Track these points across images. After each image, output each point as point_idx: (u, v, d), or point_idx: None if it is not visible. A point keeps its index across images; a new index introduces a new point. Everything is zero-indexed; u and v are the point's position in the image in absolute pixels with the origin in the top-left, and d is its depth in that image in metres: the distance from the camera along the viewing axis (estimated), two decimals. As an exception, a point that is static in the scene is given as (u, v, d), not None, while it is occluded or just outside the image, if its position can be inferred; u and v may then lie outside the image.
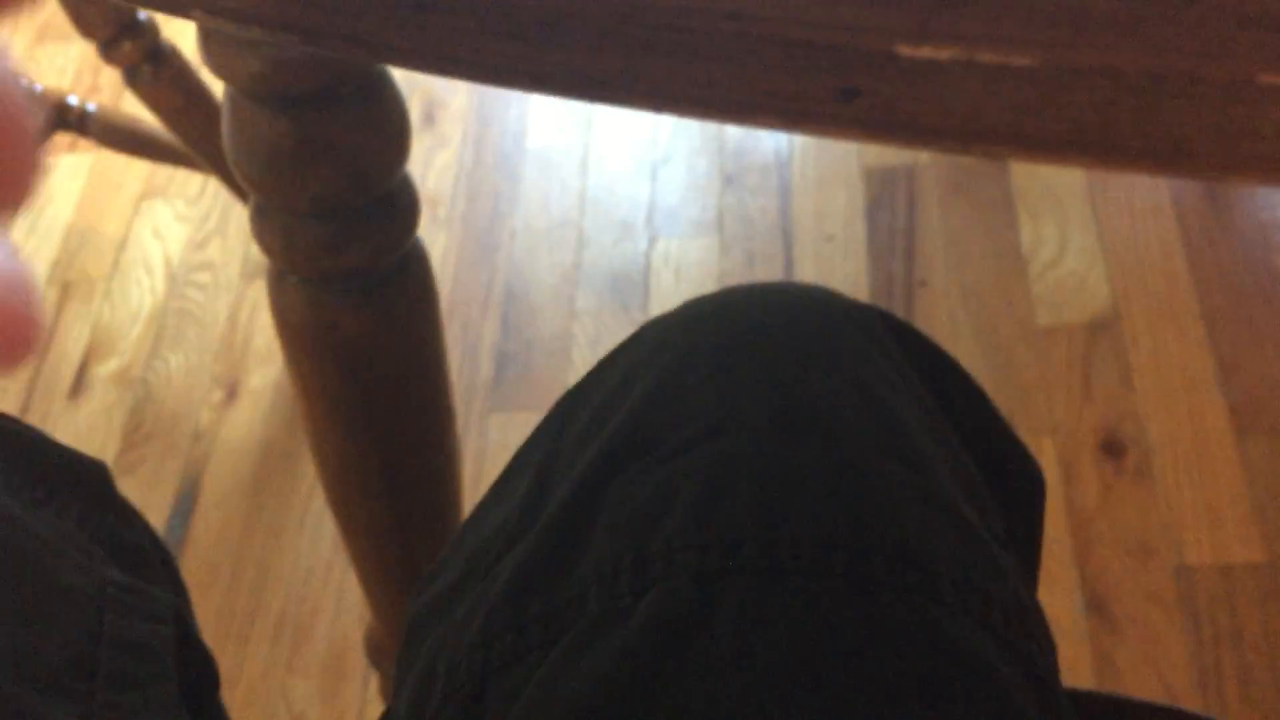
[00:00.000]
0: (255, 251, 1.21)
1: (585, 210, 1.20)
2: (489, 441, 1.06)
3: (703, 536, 0.31)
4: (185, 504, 1.05)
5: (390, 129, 0.52)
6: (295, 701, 0.94)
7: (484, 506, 0.40)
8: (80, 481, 0.42)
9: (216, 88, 1.03)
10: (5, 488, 0.39)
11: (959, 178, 1.17)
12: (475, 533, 0.38)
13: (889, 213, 1.15)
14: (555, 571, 0.33)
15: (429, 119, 1.28)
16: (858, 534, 0.31)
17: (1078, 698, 0.39)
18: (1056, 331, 1.06)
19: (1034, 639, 0.32)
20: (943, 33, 0.20)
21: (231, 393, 1.11)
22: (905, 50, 0.20)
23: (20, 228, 1.26)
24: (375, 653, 0.81)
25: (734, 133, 1.24)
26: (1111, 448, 0.99)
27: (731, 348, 0.36)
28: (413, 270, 0.57)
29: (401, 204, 0.55)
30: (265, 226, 0.54)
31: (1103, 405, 1.01)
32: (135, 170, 1.28)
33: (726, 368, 0.35)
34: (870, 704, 0.28)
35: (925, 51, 0.20)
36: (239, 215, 1.23)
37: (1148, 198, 1.13)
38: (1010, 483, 0.39)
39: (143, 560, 0.42)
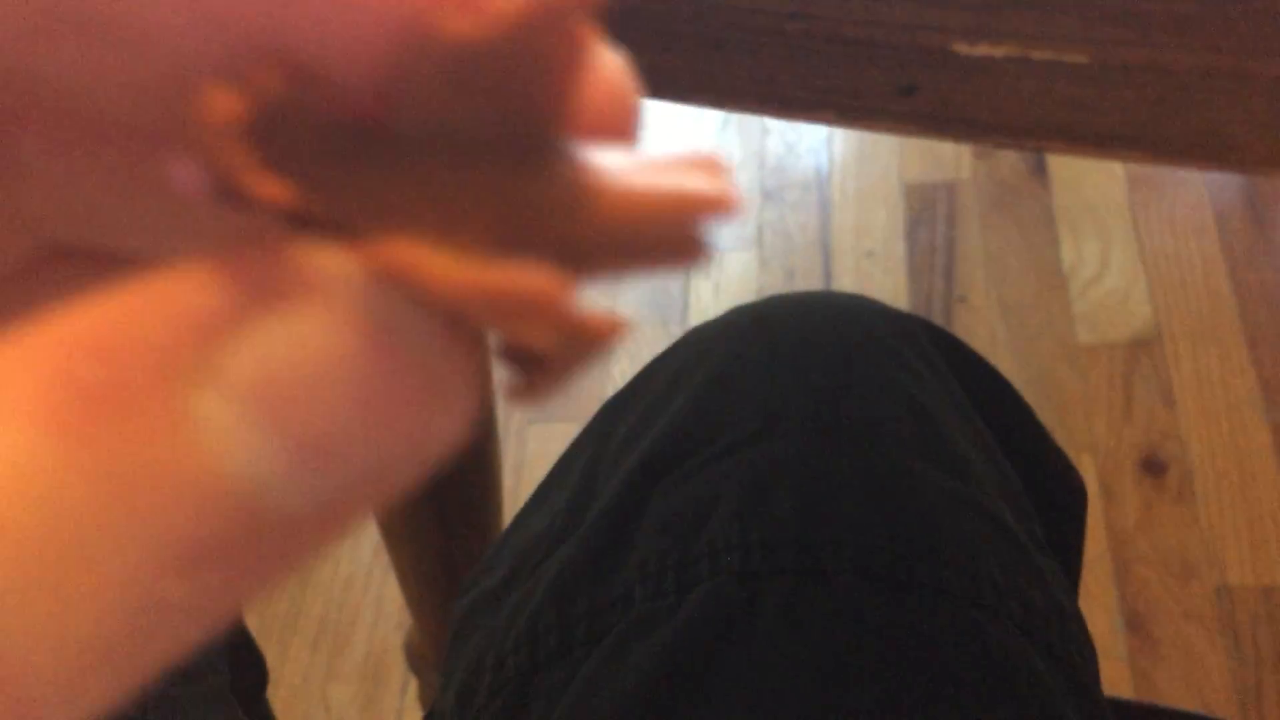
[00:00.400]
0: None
1: (625, 224, 1.21)
2: (528, 452, 1.07)
3: (746, 537, 0.31)
4: (228, 510, 1.06)
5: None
6: (334, 707, 0.95)
7: (528, 511, 0.40)
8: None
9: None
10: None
11: (999, 194, 1.17)
12: (520, 535, 0.39)
13: (929, 229, 1.15)
14: (600, 571, 0.33)
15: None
16: (899, 537, 0.31)
17: (1117, 706, 0.39)
18: (1097, 349, 1.05)
19: (1075, 645, 0.32)
20: (998, 31, 0.20)
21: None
22: (962, 48, 0.20)
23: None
24: (415, 659, 0.82)
25: (774, 148, 1.24)
26: (1152, 466, 0.98)
27: (775, 355, 0.37)
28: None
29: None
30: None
31: (1144, 424, 1.01)
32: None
33: (770, 374, 0.36)
34: (913, 705, 0.28)
35: (981, 49, 0.20)
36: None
37: (1190, 216, 1.12)
38: (1052, 492, 0.39)
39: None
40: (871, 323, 0.38)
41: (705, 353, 0.38)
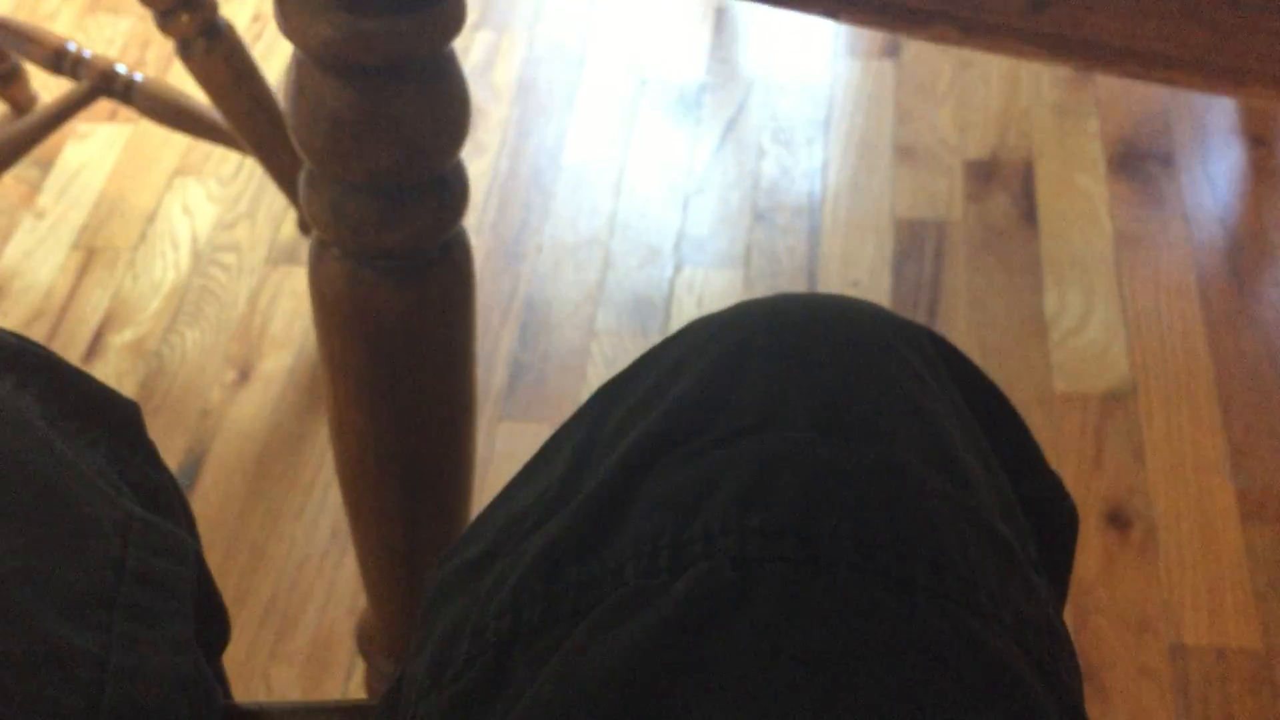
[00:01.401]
0: (283, 237, 1.21)
1: (614, 231, 1.20)
2: (495, 450, 1.06)
3: (744, 523, 0.31)
4: (186, 480, 1.05)
5: (451, 111, 0.52)
6: (276, 688, 0.93)
7: (515, 485, 0.40)
8: (114, 419, 0.42)
9: (266, 68, 1.03)
10: (41, 416, 0.39)
11: (989, 237, 1.17)
12: (505, 508, 0.38)
13: (916, 265, 1.16)
14: (592, 544, 0.32)
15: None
16: (899, 537, 0.31)
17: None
18: (1072, 399, 1.06)
19: (1065, 665, 0.32)
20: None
21: (244, 375, 1.11)
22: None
23: (51, 190, 1.26)
24: (365, 642, 0.81)
25: (769, 170, 1.24)
26: (1117, 519, 0.99)
27: (782, 348, 0.36)
28: (455, 257, 0.58)
29: (452, 188, 0.55)
30: (314, 196, 0.55)
31: (1112, 476, 1.01)
32: (172, 146, 1.28)
33: (777, 366, 0.36)
34: (904, 707, 0.28)
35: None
36: (270, 200, 1.24)
37: (1174, 277, 1.13)
38: (1045, 515, 0.38)
39: (167, 504, 0.42)
40: (881, 327, 0.38)
41: (711, 340, 0.38)
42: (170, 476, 0.45)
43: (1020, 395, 1.06)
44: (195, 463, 1.06)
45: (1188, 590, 0.94)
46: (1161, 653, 0.91)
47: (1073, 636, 0.93)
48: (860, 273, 1.16)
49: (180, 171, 1.27)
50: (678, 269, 1.17)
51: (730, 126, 1.29)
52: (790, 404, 0.34)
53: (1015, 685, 0.29)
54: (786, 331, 0.37)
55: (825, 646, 0.28)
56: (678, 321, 1.13)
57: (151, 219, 1.24)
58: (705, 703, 0.28)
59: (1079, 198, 1.20)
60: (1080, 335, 1.10)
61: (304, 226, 1.19)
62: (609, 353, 1.11)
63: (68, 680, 0.32)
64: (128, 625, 0.34)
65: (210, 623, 0.41)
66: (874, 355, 0.36)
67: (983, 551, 0.32)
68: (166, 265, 1.20)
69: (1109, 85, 1.30)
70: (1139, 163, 1.22)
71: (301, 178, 0.55)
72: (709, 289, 1.15)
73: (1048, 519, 0.39)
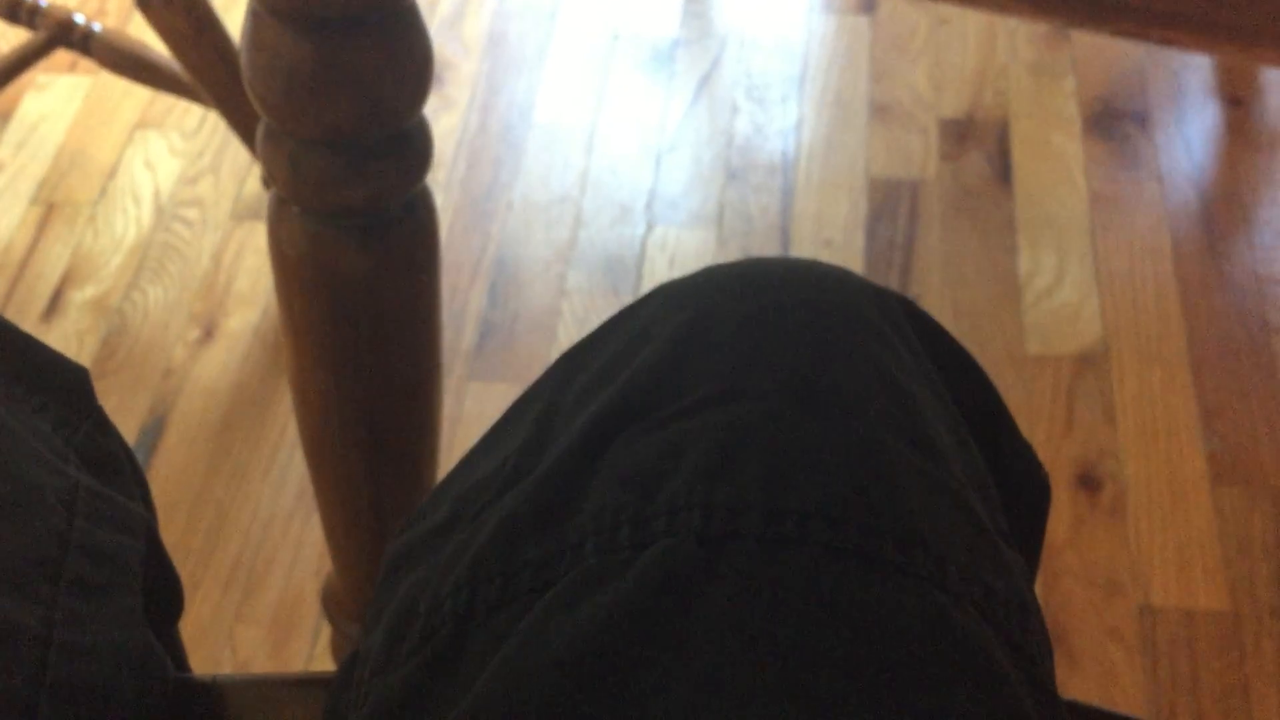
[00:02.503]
0: (247, 192, 1.19)
1: (586, 189, 1.19)
2: (464, 409, 1.05)
3: (709, 497, 0.30)
4: (149, 439, 1.03)
5: (413, 65, 0.51)
6: (241, 649, 0.92)
7: (476, 453, 0.39)
8: (62, 384, 0.40)
9: (227, 18, 1.01)
10: (-17, 380, 0.38)
11: (963, 198, 1.16)
12: (465, 477, 0.37)
13: (889, 225, 1.15)
14: (551, 519, 0.31)
15: (438, 80, 1.27)
16: (868, 512, 0.30)
17: (1070, 708, 0.38)
18: (1044, 360, 1.05)
19: (1035, 640, 0.31)
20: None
21: (208, 332, 1.10)
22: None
23: (9, 143, 1.23)
24: (331, 604, 0.80)
25: (743, 128, 1.23)
26: (1087, 481, 0.99)
27: (751, 315, 0.35)
28: (418, 215, 0.56)
29: (415, 145, 0.54)
30: (273, 152, 0.53)
31: (1083, 438, 1.01)
32: (133, 98, 1.26)
33: (745, 334, 0.34)
34: (872, 685, 0.27)
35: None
36: (234, 154, 1.21)
37: (1148, 238, 1.13)
38: (1017, 486, 0.38)
39: (117, 472, 0.40)
40: (852, 294, 0.37)
41: (677, 306, 0.37)
42: (122, 443, 0.44)
43: (993, 356, 1.06)
44: (158, 422, 1.04)
45: (1157, 552, 0.94)
46: (1130, 614, 0.92)
47: (1042, 598, 0.93)
48: (834, 232, 1.15)
49: (142, 124, 1.25)
50: (650, 227, 1.16)
51: (704, 83, 1.27)
52: (757, 373, 0.33)
53: (983, 663, 0.28)
54: (754, 298, 0.36)
55: (791, 625, 0.27)
56: (650, 281, 1.12)
57: (113, 173, 1.21)
58: (668, 683, 0.27)
59: (1054, 158, 1.19)
60: (1053, 296, 1.09)
61: (268, 182, 1.17)
62: (580, 312, 1.10)
63: (8, 657, 0.31)
64: (72, 600, 0.33)
65: (162, 594, 0.40)
66: (845, 323, 0.35)
67: (953, 526, 0.31)
68: (128, 220, 1.17)
69: (1085, 44, 1.28)
70: (1114, 123, 1.22)
71: (259, 133, 0.54)
72: (681, 248, 1.14)
73: (1020, 490, 0.38)
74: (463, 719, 0.28)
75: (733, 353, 0.34)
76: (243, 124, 1.04)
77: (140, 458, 1.02)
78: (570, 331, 1.09)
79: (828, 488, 0.30)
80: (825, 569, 0.29)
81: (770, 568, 0.29)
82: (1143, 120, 1.22)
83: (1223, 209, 1.15)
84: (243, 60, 0.50)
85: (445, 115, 1.24)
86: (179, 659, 0.46)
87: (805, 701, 0.26)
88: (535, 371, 0.38)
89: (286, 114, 0.50)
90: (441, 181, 1.19)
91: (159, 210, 1.18)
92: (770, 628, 0.27)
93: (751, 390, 0.33)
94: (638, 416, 0.33)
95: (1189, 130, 1.21)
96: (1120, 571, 0.94)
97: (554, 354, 1.07)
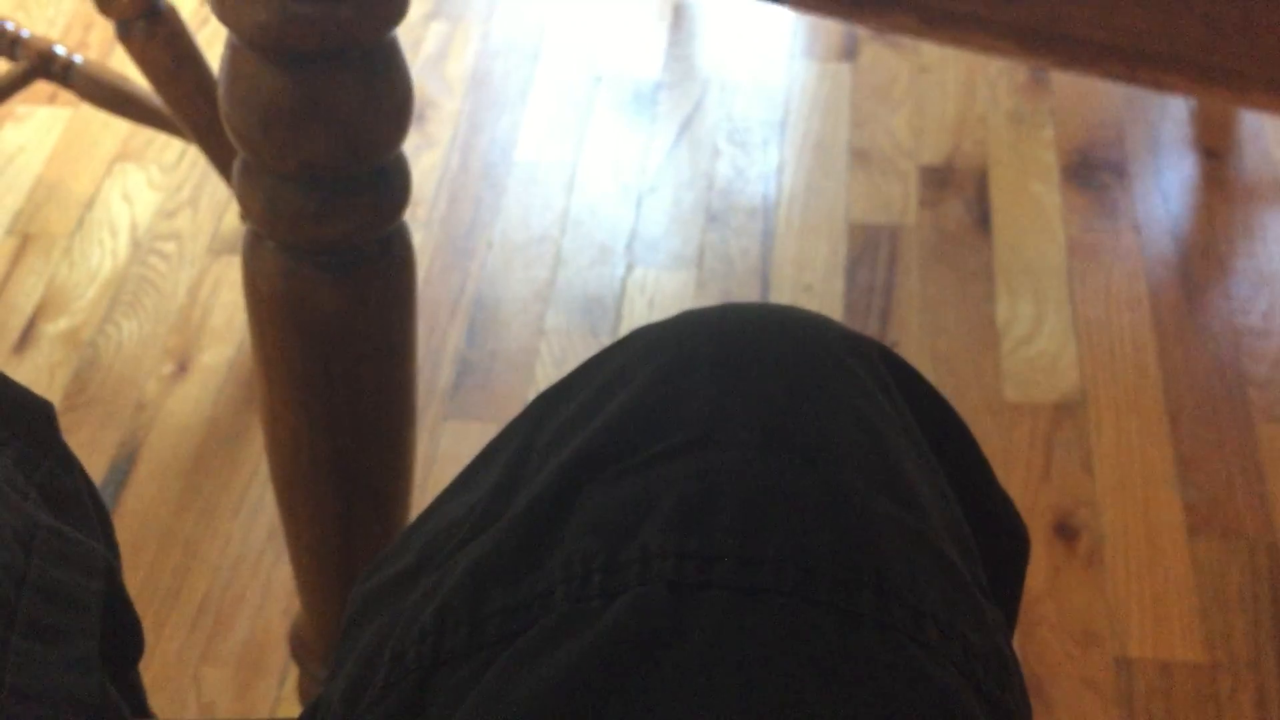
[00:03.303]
0: (225, 227, 1.19)
1: (566, 229, 1.18)
2: (439, 449, 1.04)
3: (682, 545, 0.29)
4: (119, 475, 1.02)
5: (392, 102, 0.50)
6: (206, 690, 0.91)
7: (445, 498, 0.38)
8: (25, 420, 0.39)
9: (208, 53, 1.01)
10: (-58, 414, 0.37)
11: (942, 244, 1.17)
12: (434, 522, 0.36)
13: (869, 271, 1.15)
14: (520, 566, 0.31)
15: (419, 118, 1.27)
16: (844, 562, 0.29)
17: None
18: (1022, 408, 1.05)
19: (1013, 696, 0.31)
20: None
21: (182, 367, 1.08)
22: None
23: (-14, 173, 1.23)
24: (299, 647, 0.78)
25: (724, 171, 1.23)
26: (1064, 531, 0.98)
27: (728, 360, 0.35)
28: (395, 253, 0.56)
29: (393, 182, 0.53)
30: (249, 186, 0.52)
31: (1060, 487, 1.01)
32: (113, 131, 1.25)
33: (721, 379, 0.34)
34: (845, 740, 0.26)
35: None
36: (213, 189, 1.21)
37: (1126, 288, 1.13)
38: (996, 537, 0.37)
39: (79, 510, 0.40)
40: (829, 341, 0.36)
41: (652, 350, 0.36)
42: (86, 481, 0.43)
43: (970, 403, 1.05)
44: (129, 457, 1.03)
45: (1134, 603, 0.94)
46: (1106, 665, 0.91)
47: (1018, 647, 0.92)
48: (813, 277, 1.15)
49: (121, 157, 1.24)
50: (630, 269, 1.15)
51: (685, 126, 1.27)
52: (733, 420, 0.32)
53: (959, 718, 0.28)
54: (731, 343, 0.35)
55: (765, 678, 0.27)
56: (629, 322, 1.12)
57: (90, 205, 1.20)
58: (635, 738, 0.26)
59: (1032, 206, 1.20)
60: (1031, 345, 1.09)
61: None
62: (558, 352, 1.10)
63: (-44, 702, 0.30)
64: (25, 642, 0.32)
65: (121, 636, 0.39)
66: (822, 370, 0.35)
67: (931, 578, 0.31)
68: (104, 253, 1.16)
69: (1064, 94, 1.30)
70: (1093, 173, 1.22)
71: (236, 167, 0.53)
72: (661, 290, 1.14)
73: (998, 543, 0.37)
74: (425, 772, 0.27)
75: (708, 399, 0.33)
76: (222, 159, 1.04)
77: (109, 493, 1.01)
78: (548, 371, 1.08)
79: (803, 537, 0.30)
80: (800, 620, 0.28)
81: (743, 617, 0.28)
82: (1120, 170, 1.22)
83: (1199, 260, 1.15)
84: (220, 93, 0.50)
85: (426, 153, 1.24)
86: (138, 702, 0.45)
87: (777, 759, 0.26)
88: (512, 411, 0.37)
89: (263, 148, 0.50)
90: (421, 219, 1.19)
91: (135, 243, 1.17)
92: (743, 680, 0.27)
93: (726, 437, 0.32)
94: (611, 461, 0.32)
95: (1166, 181, 1.21)
96: (1097, 622, 0.93)
97: (531, 394, 1.07)
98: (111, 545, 0.42)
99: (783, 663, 0.27)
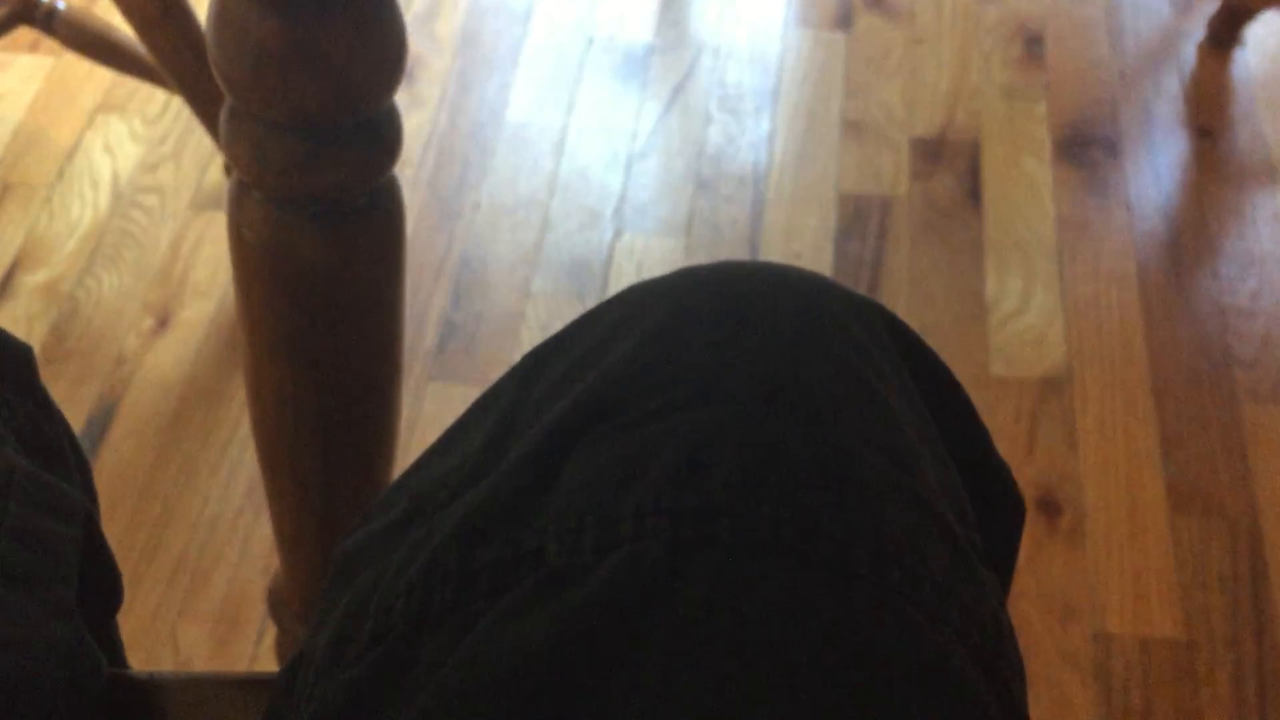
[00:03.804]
0: (209, 181, 1.17)
1: (554, 193, 1.17)
2: (423, 411, 1.03)
3: (678, 503, 0.29)
4: (97, 429, 1.01)
5: (386, 49, 0.49)
6: (183, 647, 0.90)
7: (434, 451, 0.37)
8: (3, 363, 0.38)
9: (195, 2, 0.99)
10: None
11: (932, 217, 1.16)
12: (422, 475, 0.36)
13: (859, 241, 1.14)
14: (512, 520, 0.30)
15: (408, 77, 1.25)
16: (842, 523, 0.29)
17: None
18: (1008, 383, 1.05)
19: (1007, 662, 0.30)
20: None
21: (163, 322, 1.07)
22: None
23: (-35, 121, 1.21)
24: (277, 604, 0.78)
25: (715, 138, 1.22)
26: (1047, 506, 0.98)
27: (727, 317, 0.34)
28: (385, 207, 0.55)
29: (385, 134, 0.52)
30: (236, 134, 0.51)
31: (1043, 463, 1.00)
32: (95, 81, 1.23)
33: (720, 336, 0.33)
34: (842, 701, 0.26)
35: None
36: (197, 142, 1.19)
37: (1115, 265, 1.13)
38: (992, 503, 0.37)
39: (58, 457, 0.39)
40: (830, 301, 0.36)
41: (649, 306, 0.35)
42: (65, 427, 0.42)
43: (957, 377, 1.05)
44: (107, 412, 1.02)
45: (1114, 579, 0.94)
46: (1085, 640, 0.91)
47: (998, 621, 0.92)
48: (802, 246, 1.14)
49: (103, 108, 1.22)
50: (618, 234, 1.14)
51: (677, 91, 1.26)
52: (732, 377, 0.32)
53: (957, 684, 0.27)
54: (731, 300, 0.34)
55: (760, 639, 0.26)
56: (616, 287, 1.11)
57: (71, 156, 1.18)
58: (629, 695, 0.26)
59: (1024, 181, 1.19)
60: (1019, 320, 1.09)
61: (231, 170, 1.15)
62: (544, 316, 1.09)
63: (-70, 647, 0.29)
64: (2, 590, 0.31)
65: (100, 585, 0.39)
66: (823, 330, 0.34)
67: (928, 541, 0.30)
68: (85, 205, 1.15)
69: (1059, 68, 1.29)
70: (1085, 149, 1.22)
71: (222, 114, 0.52)
72: (649, 256, 1.13)
73: (994, 508, 0.37)
74: (412, 727, 0.26)
75: (706, 356, 0.33)
76: (207, 111, 1.02)
77: (86, 448, 0.99)
78: (533, 335, 1.07)
79: (801, 497, 0.29)
80: (796, 581, 0.28)
81: (739, 576, 0.27)
82: (1113, 147, 1.22)
83: (1189, 238, 1.15)
84: (208, 36, 0.49)
85: (415, 112, 1.23)
86: (115, 654, 0.44)
87: (773, 715, 0.25)
88: (496, 374, 0.37)
89: (252, 94, 0.48)
90: (408, 179, 1.17)
91: (117, 196, 1.15)
92: (738, 640, 0.26)
93: (725, 394, 0.31)
94: (605, 417, 0.32)
95: (1158, 159, 1.21)
96: (1077, 597, 0.93)
97: (516, 357, 1.06)
98: (90, 493, 0.41)
99: (779, 623, 0.27)
